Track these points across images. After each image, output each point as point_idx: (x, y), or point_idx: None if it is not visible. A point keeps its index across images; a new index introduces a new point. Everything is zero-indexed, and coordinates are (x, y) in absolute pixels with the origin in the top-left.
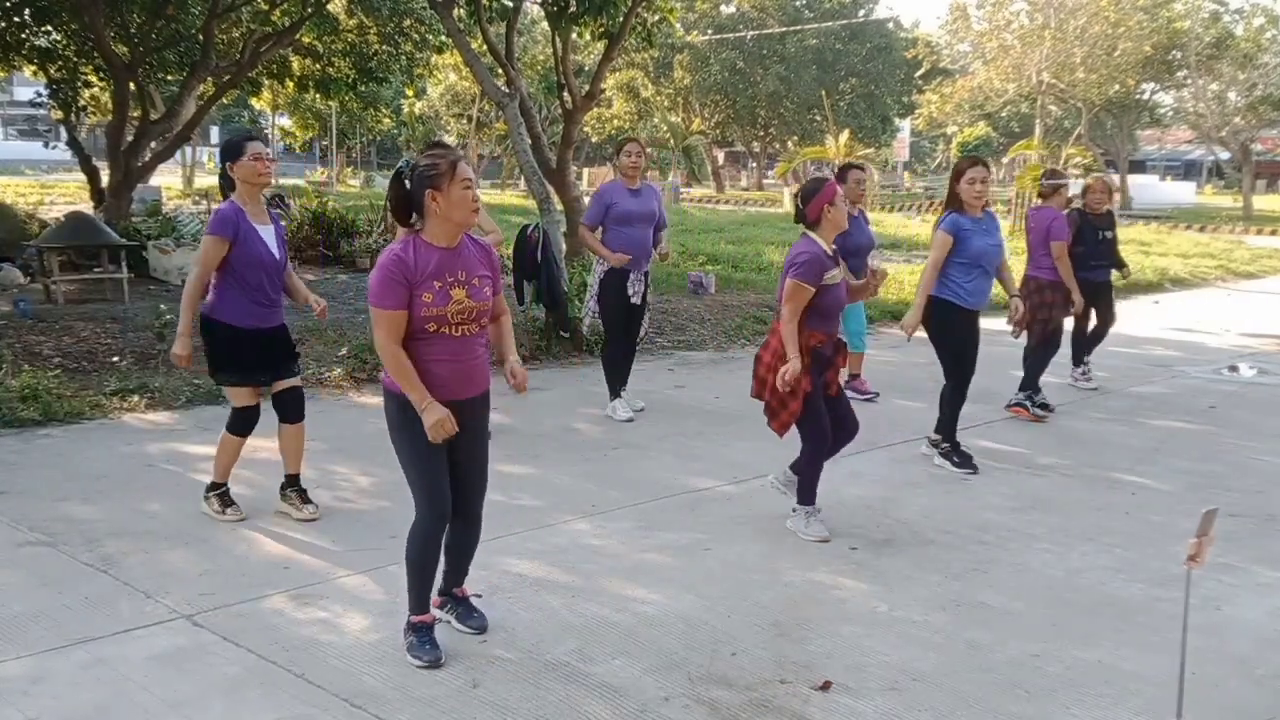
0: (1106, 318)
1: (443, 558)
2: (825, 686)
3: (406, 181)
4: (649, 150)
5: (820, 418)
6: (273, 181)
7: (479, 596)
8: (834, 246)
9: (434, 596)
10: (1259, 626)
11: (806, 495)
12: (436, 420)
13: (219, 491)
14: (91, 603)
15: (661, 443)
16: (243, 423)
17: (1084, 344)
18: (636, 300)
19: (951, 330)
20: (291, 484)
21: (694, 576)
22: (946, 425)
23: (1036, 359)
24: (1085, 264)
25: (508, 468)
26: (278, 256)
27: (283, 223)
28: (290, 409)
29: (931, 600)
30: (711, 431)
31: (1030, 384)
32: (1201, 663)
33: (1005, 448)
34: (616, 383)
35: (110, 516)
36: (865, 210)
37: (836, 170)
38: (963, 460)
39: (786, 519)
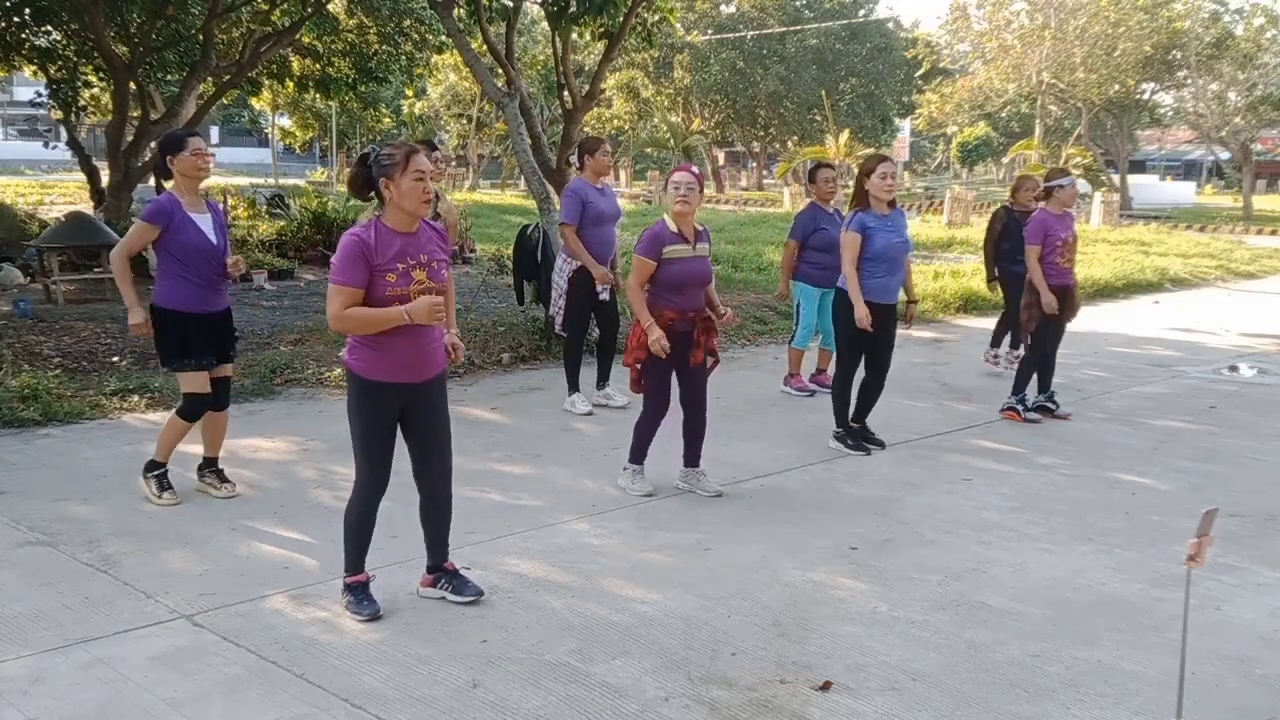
0: (1014, 312)
1: (423, 532)
2: (825, 686)
3: (371, 166)
4: (649, 149)
5: (663, 388)
6: (210, 175)
7: (468, 569)
8: (699, 227)
9: (424, 575)
10: (1259, 626)
11: (636, 454)
12: (429, 305)
13: (158, 473)
14: (91, 603)
15: (661, 443)
16: (195, 408)
17: (1001, 330)
18: (605, 297)
19: (852, 324)
20: (209, 466)
21: (694, 576)
22: (839, 412)
23: (1023, 362)
24: (1012, 258)
25: (508, 468)
26: (215, 242)
27: (223, 211)
28: (220, 396)
29: (931, 600)
30: (710, 431)
31: (1019, 387)
32: (1201, 663)
33: (1005, 448)
34: (576, 377)
35: (110, 516)
36: (840, 209)
37: (808, 169)
38: (855, 444)
39: (618, 478)
